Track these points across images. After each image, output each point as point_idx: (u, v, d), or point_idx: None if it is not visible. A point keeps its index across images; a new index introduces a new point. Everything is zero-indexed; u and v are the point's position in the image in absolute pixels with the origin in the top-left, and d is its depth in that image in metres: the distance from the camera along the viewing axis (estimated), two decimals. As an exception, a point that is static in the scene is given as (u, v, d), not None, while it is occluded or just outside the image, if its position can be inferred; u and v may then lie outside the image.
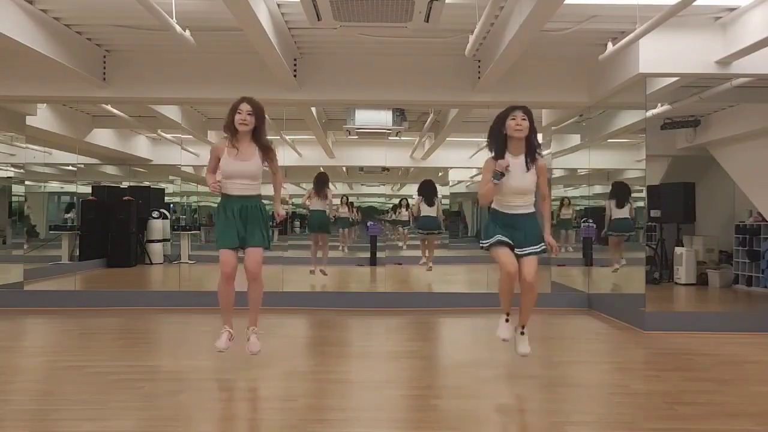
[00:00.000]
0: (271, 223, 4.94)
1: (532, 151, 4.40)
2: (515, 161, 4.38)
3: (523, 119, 4.34)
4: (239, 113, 4.51)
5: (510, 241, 4.37)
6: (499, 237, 4.37)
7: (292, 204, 14.01)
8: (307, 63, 7.36)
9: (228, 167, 4.55)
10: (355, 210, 13.54)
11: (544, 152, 8.86)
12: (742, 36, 5.77)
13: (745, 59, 6.00)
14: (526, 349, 4.50)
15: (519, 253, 4.40)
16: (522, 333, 4.53)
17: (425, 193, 10.27)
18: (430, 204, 10.21)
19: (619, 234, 9.19)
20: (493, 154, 4.43)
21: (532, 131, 4.39)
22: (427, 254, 10.36)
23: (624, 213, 9.18)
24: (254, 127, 4.56)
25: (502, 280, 4.40)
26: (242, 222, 4.56)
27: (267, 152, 4.61)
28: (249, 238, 4.59)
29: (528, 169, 4.38)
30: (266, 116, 4.65)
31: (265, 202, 4.73)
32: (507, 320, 4.52)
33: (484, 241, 4.49)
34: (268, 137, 4.72)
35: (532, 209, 4.48)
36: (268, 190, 4.79)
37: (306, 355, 5.38)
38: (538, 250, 4.45)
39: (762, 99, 7.87)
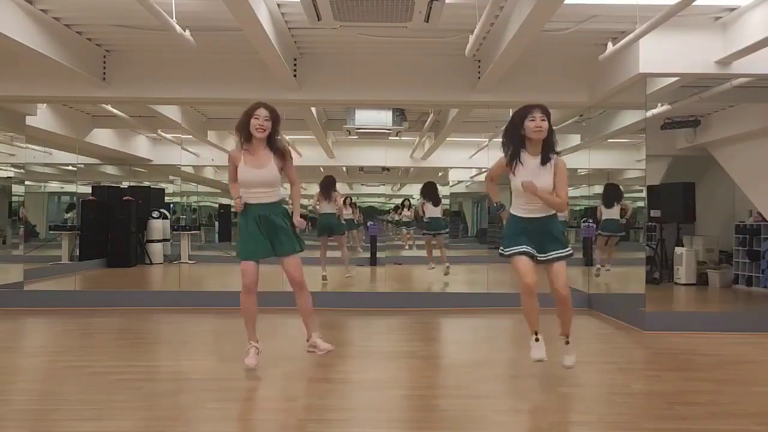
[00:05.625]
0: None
1: (548, 151, 4.25)
2: (532, 161, 4.23)
3: (543, 120, 4.18)
4: (256, 118, 4.41)
5: (531, 251, 4.18)
6: (518, 248, 4.17)
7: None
8: (307, 63, 7.36)
9: (245, 176, 4.48)
10: (357, 210, 13.55)
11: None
12: (742, 36, 5.77)
13: (745, 59, 6.00)
14: (571, 362, 4.31)
15: (543, 258, 4.21)
16: (567, 343, 4.37)
17: (430, 194, 10.28)
18: (437, 204, 10.25)
19: (607, 234, 9.21)
20: (504, 155, 4.29)
21: (551, 131, 4.25)
22: (438, 255, 10.34)
23: (613, 214, 9.19)
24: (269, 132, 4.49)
25: (523, 299, 4.20)
26: (266, 232, 4.49)
27: (283, 156, 4.53)
28: (281, 247, 4.53)
29: (544, 167, 4.21)
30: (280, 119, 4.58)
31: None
32: (537, 339, 4.21)
33: (504, 249, 4.28)
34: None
35: (553, 210, 4.28)
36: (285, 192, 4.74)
37: (306, 355, 5.36)
38: (565, 254, 4.23)
39: (762, 99, 7.87)
